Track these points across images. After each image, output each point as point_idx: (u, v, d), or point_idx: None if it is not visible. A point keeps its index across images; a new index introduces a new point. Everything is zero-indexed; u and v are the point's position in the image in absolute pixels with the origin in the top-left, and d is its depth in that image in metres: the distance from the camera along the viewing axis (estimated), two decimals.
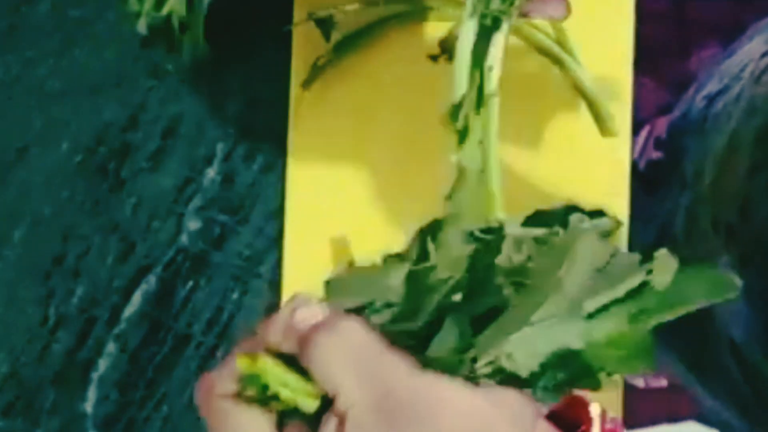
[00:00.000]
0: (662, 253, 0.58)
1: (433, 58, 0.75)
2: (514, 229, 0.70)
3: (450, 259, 0.60)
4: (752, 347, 0.64)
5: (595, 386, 0.55)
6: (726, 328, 0.67)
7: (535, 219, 0.71)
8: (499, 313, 0.57)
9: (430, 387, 0.47)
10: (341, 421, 0.46)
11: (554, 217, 0.71)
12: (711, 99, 0.75)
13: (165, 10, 0.74)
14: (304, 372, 0.51)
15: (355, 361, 0.47)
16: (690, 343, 0.75)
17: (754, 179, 0.63)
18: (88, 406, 0.76)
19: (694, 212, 0.72)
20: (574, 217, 0.71)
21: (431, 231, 0.68)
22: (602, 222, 0.72)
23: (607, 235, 0.71)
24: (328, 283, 0.59)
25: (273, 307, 0.75)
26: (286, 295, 0.75)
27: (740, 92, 0.69)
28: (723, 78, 0.75)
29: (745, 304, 0.64)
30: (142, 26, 0.75)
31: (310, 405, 0.50)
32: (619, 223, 0.72)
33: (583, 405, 0.54)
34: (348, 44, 0.75)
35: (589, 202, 0.73)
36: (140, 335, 0.76)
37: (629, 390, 0.89)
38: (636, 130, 0.80)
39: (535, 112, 0.74)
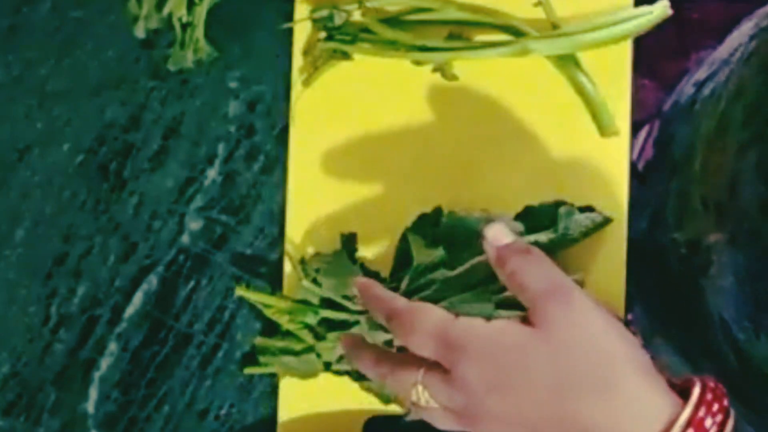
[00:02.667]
0: None
1: None
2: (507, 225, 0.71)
3: None
4: (742, 325, 0.64)
5: None
6: (716, 307, 0.67)
7: (527, 214, 0.72)
8: None
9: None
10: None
11: (544, 212, 0.71)
12: (700, 85, 0.75)
13: (165, 11, 0.74)
14: None
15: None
16: (683, 327, 0.75)
17: (743, 157, 0.63)
18: (90, 406, 0.76)
19: (684, 194, 0.72)
20: (562, 210, 0.71)
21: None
22: (591, 216, 0.72)
23: (598, 228, 0.72)
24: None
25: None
26: (287, 294, 0.75)
27: (729, 75, 0.70)
28: (712, 65, 0.75)
29: (734, 281, 0.64)
30: (140, 30, 0.75)
31: None
32: (607, 219, 0.72)
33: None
34: (348, 44, 0.75)
35: (587, 201, 0.73)
36: (141, 335, 0.77)
37: None
38: (635, 130, 0.80)
39: (535, 111, 0.74)
